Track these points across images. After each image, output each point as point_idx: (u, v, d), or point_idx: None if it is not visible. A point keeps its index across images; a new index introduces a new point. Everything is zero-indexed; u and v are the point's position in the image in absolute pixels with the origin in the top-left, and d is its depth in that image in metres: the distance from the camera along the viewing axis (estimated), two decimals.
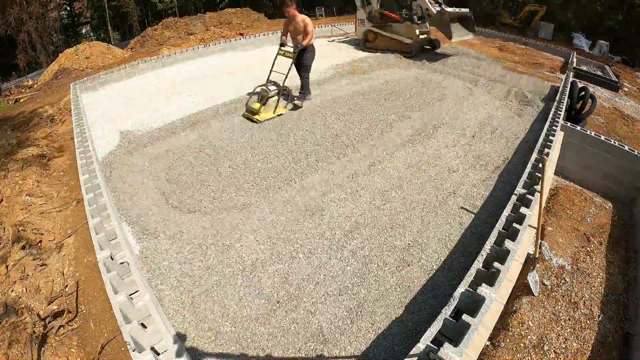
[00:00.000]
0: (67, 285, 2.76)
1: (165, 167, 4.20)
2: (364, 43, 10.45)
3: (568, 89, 6.35)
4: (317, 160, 4.25)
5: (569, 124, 4.94)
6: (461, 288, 2.21)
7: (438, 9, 8.75)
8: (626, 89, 9.47)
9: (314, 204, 3.49)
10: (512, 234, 2.68)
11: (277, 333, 2.28)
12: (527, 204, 2.98)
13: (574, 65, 9.97)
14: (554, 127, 4.62)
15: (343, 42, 11.83)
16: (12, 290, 2.64)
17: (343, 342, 2.22)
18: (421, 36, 9.40)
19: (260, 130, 5.04)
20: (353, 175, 3.96)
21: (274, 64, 5.58)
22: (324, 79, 7.30)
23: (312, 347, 2.20)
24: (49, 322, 2.43)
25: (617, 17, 17.40)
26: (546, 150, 3.99)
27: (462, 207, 3.49)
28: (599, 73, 10.43)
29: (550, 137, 4.30)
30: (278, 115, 5.43)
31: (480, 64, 8.95)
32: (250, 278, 2.69)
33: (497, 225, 2.82)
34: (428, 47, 10.03)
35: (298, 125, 5.16)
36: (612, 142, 4.53)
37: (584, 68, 10.76)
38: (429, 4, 8.83)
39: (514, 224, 2.73)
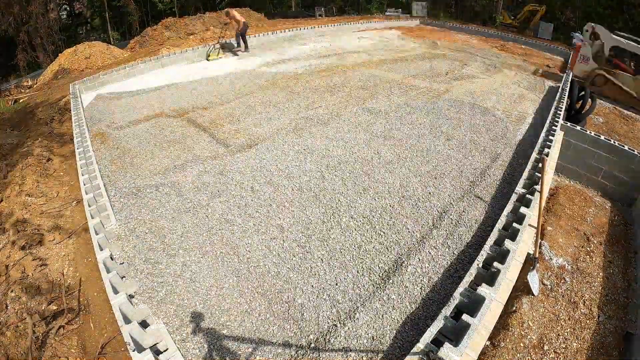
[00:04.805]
0: (67, 285, 2.76)
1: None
2: (589, 84, 8.64)
3: (568, 89, 6.35)
4: None
5: (568, 123, 4.94)
6: (461, 288, 2.22)
7: None
8: None
9: None
10: (512, 234, 2.68)
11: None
12: (527, 204, 2.98)
13: None
14: (553, 127, 4.62)
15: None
16: (12, 291, 2.63)
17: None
18: None
19: None
20: None
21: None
22: None
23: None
24: (49, 322, 2.43)
25: (617, 17, 17.40)
26: (546, 150, 3.99)
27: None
28: None
29: (550, 137, 4.30)
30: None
31: None
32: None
33: (497, 225, 2.83)
34: None
35: None
36: (612, 142, 4.53)
37: None
38: None
39: (514, 224, 2.74)
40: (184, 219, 3.34)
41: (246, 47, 10.61)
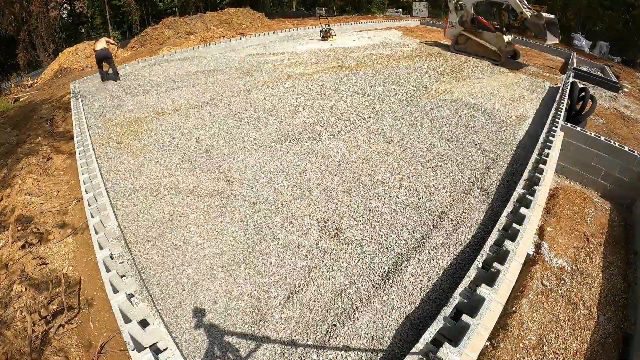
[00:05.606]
0: (67, 284, 2.76)
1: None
2: (454, 45, 11.13)
3: (568, 90, 6.35)
4: None
5: (569, 124, 4.94)
6: (461, 288, 2.22)
7: (534, 12, 8.82)
8: (626, 90, 9.46)
9: None
10: (512, 235, 2.68)
11: None
12: (527, 205, 2.98)
13: (574, 66, 9.96)
14: (554, 128, 4.62)
15: None
16: (12, 290, 2.64)
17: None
18: (508, 46, 9.94)
19: None
20: None
21: None
22: None
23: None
24: (49, 321, 2.43)
25: (617, 17, 17.39)
26: (546, 150, 3.99)
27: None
28: (599, 74, 10.43)
29: (551, 138, 4.30)
30: None
31: None
32: None
33: (496, 225, 2.83)
34: (510, 56, 10.37)
35: None
36: (612, 143, 4.53)
37: (584, 69, 10.76)
38: (522, 7, 8.88)
39: (514, 225, 2.73)
40: (184, 220, 3.34)
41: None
